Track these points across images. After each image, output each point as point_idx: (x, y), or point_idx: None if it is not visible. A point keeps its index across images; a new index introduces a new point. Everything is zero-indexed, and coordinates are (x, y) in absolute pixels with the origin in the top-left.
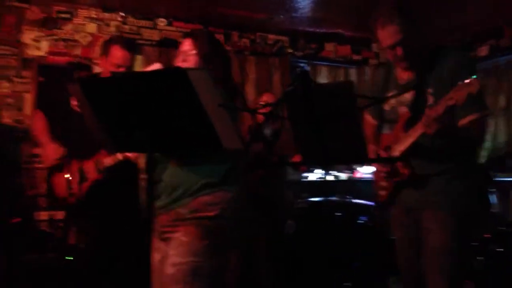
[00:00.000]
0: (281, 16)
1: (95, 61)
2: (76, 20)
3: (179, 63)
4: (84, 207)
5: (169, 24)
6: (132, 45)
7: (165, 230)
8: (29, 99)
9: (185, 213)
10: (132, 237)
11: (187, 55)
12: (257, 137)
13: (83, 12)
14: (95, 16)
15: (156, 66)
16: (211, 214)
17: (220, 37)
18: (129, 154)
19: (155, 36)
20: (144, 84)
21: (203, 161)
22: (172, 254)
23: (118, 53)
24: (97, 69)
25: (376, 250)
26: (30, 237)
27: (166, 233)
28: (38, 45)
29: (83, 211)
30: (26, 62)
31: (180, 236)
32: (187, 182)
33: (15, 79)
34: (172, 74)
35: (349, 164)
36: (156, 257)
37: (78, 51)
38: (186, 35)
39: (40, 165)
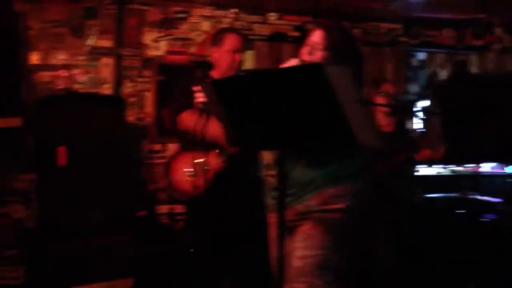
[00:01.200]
0: (396, 3)
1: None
2: (191, 19)
3: (305, 55)
4: (204, 200)
5: (280, 18)
6: (244, 36)
7: (291, 224)
8: (149, 97)
9: (312, 206)
10: (253, 231)
11: (315, 48)
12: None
13: (197, 11)
14: (208, 14)
15: (293, 62)
16: (338, 207)
17: None
18: None
19: (266, 30)
20: (279, 80)
21: (333, 157)
22: (299, 247)
23: (233, 39)
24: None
25: (501, 249)
26: (153, 230)
27: (292, 227)
28: (157, 45)
29: (203, 204)
30: (147, 62)
31: (307, 230)
32: (316, 177)
33: (137, 79)
34: (309, 70)
35: (503, 163)
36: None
37: (193, 49)
38: (317, 26)
39: (160, 160)
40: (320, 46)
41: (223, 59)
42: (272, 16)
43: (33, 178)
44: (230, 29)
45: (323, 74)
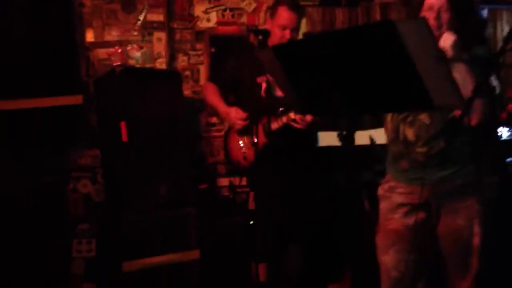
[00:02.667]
0: None
1: (260, 27)
2: None
3: (432, 20)
4: (257, 171)
5: None
6: (298, 7)
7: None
8: (203, 70)
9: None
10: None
11: (441, 10)
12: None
13: None
14: None
15: (449, 37)
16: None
17: None
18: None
19: None
20: (348, 41)
21: None
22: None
23: (284, 14)
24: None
25: None
26: (216, 202)
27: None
28: (208, 17)
29: (257, 175)
30: (199, 35)
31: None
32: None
33: (190, 52)
34: (380, 28)
35: None
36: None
37: (244, 19)
38: None
39: (217, 133)
40: (445, 8)
41: (274, 33)
42: None
43: (97, 154)
44: (284, 1)
45: (395, 32)
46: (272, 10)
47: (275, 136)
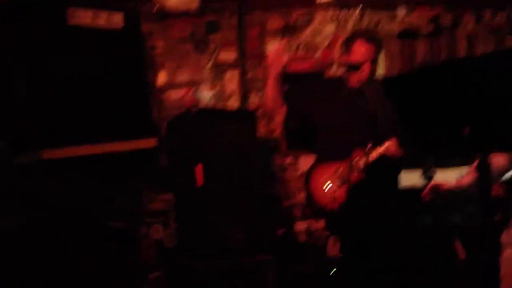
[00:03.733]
0: None
1: (334, 63)
2: (314, 24)
3: None
4: (345, 213)
5: (411, 11)
6: (375, 38)
7: None
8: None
9: None
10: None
11: None
12: None
13: (320, 14)
14: (332, 16)
15: None
16: None
17: (469, 18)
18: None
19: (396, 27)
20: (472, 71)
21: None
22: None
23: (362, 48)
24: (334, 71)
25: None
26: (293, 248)
27: None
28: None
29: (345, 217)
30: None
31: None
32: None
33: (263, 90)
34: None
35: None
36: None
37: (318, 55)
38: None
39: (293, 174)
40: None
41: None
42: (402, 10)
43: (170, 198)
44: (361, 33)
45: None
46: (348, 44)
47: (369, 171)
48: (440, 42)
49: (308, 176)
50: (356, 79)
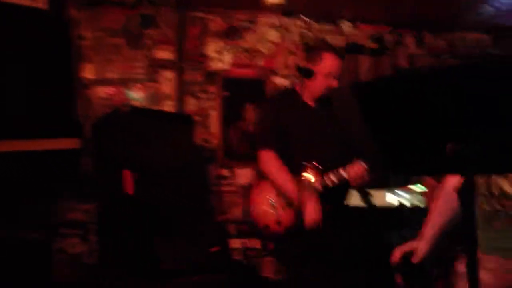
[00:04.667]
0: (486, 11)
1: (277, 71)
2: (257, 28)
3: None
4: (292, 240)
5: (355, 27)
6: (343, 55)
7: None
8: (215, 116)
9: None
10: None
11: None
12: None
13: (263, 19)
14: (276, 23)
15: None
16: None
17: (410, 40)
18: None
19: (340, 41)
20: (458, 80)
21: None
22: None
23: (332, 62)
24: (278, 81)
25: None
26: (228, 268)
27: None
28: (221, 57)
29: (291, 245)
30: (210, 76)
31: None
32: None
33: (200, 95)
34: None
35: None
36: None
37: (260, 62)
38: None
39: (229, 188)
40: None
41: (317, 81)
42: (346, 25)
43: (91, 208)
44: (328, 47)
45: None
46: (314, 56)
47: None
48: (383, 59)
49: (249, 190)
50: (310, 91)
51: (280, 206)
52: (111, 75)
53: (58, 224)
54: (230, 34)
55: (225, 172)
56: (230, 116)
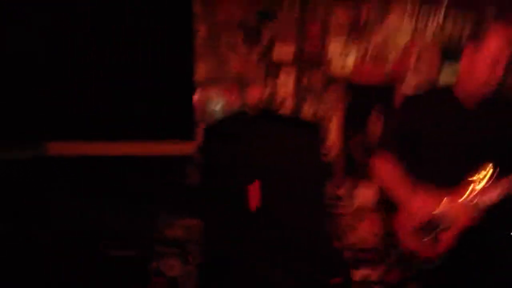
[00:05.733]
0: None
1: (407, 77)
2: (387, 26)
3: None
4: (449, 269)
5: None
6: None
7: None
8: (335, 125)
9: None
10: None
11: None
12: None
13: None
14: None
15: None
16: None
17: None
18: None
19: None
20: None
21: None
22: None
23: (501, 41)
24: (406, 88)
25: None
26: None
27: None
28: (343, 59)
29: (447, 275)
30: (332, 81)
31: None
32: None
33: (320, 101)
34: None
35: None
36: None
37: (388, 68)
38: None
39: (344, 210)
40: None
41: (477, 68)
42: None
43: (193, 224)
44: (499, 21)
45: None
46: (477, 34)
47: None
48: None
49: (390, 206)
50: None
51: (437, 225)
52: (225, 73)
53: (156, 240)
54: (355, 32)
55: (342, 190)
56: (352, 126)
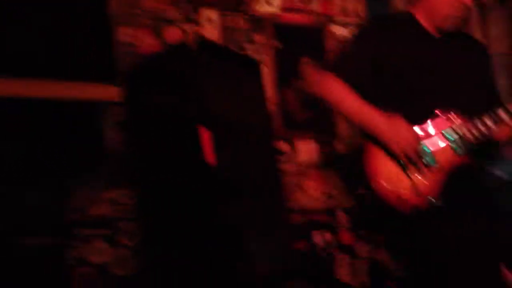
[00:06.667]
0: None
1: (335, 18)
2: None
3: None
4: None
5: None
6: None
7: None
8: (267, 73)
9: None
10: None
11: None
12: None
13: None
14: None
15: None
16: None
17: None
18: None
19: None
20: None
21: None
22: None
23: None
24: (336, 30)
25: None
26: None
27: None
28: None
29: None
30: (257, 22)
31: None
32: None
33: (246, 46)
34: None
35: None
36: None
37: (315, 7)
38: None
39: (289, 167)
40: None
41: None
42: None
43: (124, 197)
44: None
45: None
46: None
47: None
48: None
49: (362, 155)
50: (432, 14)
51: (417, 168)
52: (139, 12)
53: (75, 222)
54: None
55: (284, 146)
56: (285, 73)
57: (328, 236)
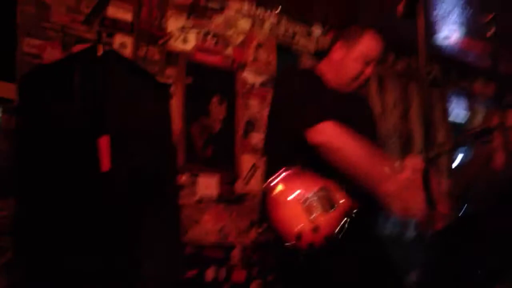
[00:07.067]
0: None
1: (246, 65)
2: (227, 13)
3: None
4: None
5: (326, 33)
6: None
7: None
8: (175, 106)
9: None
10: None
11: None
12: None
13: (234, 4)
14: (247, 12)
15: None
16: None
17: None
18: None
19: (311, 45)
20: None
21: None
22: None
23: (372, 44)
24: (246, 75)
25: None
26: None
27: None
28: (184, 36)
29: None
30: (171, 57)
31: None
32: None
33: (158, 78)
34: None
35: None
36: None
37: (229, 51)
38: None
39: (187, 201)
40: None
41: (348, 65)
42: (318, 29)
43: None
44: (367, 26)
45: None
46: (352, 34)
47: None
48: None
49: (267, 191)
50: (337, 76)
51: (319, 207)
52: (48, 18)
53: None
54: (196, 11)
55: (183, 178)
56: (193, 109)
57: (221, 272)
